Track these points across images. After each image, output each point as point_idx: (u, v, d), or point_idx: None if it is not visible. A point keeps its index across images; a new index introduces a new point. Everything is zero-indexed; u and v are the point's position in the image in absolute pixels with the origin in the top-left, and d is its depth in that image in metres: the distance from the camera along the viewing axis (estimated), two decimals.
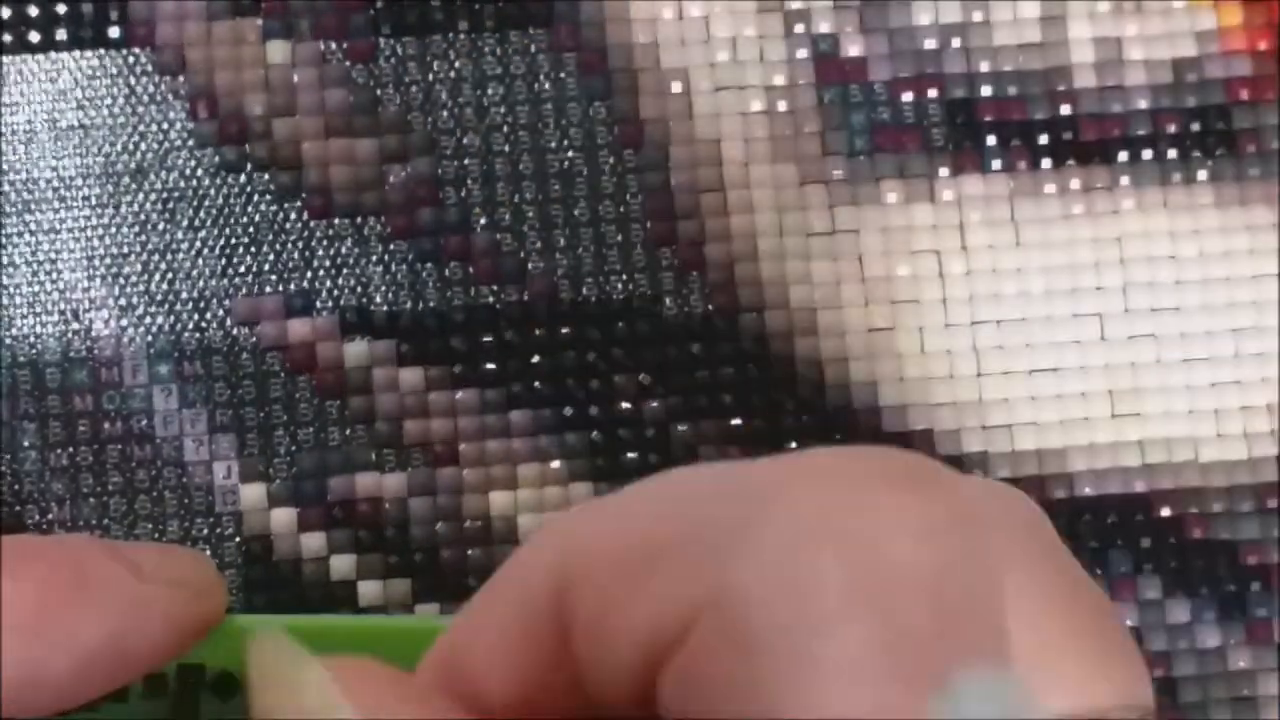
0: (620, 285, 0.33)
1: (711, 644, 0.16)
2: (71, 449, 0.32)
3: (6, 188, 0.33)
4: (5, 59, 0.33)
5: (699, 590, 0.16)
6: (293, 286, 0.33)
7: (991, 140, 0.34)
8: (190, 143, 0.33)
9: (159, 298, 0.33)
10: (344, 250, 0.33)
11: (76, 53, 0.33)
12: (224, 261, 0.33)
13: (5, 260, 0.33)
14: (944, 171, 0.34)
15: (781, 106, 0.34)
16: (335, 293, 0.33)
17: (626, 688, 0.17)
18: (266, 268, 0.33)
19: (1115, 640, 0.20)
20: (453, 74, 0.34)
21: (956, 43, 0.34)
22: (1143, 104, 0.34)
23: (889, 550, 0.16)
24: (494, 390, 0.33)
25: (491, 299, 0.33)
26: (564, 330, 0.33)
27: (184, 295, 0.33)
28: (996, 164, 0.34)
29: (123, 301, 0.33)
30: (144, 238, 0.33)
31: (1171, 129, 0.34)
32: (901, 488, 0.17)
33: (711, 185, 0.34)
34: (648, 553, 0.17)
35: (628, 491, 0.18)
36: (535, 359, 0.33)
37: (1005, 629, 0.17)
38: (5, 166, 0.33)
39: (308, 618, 0.30)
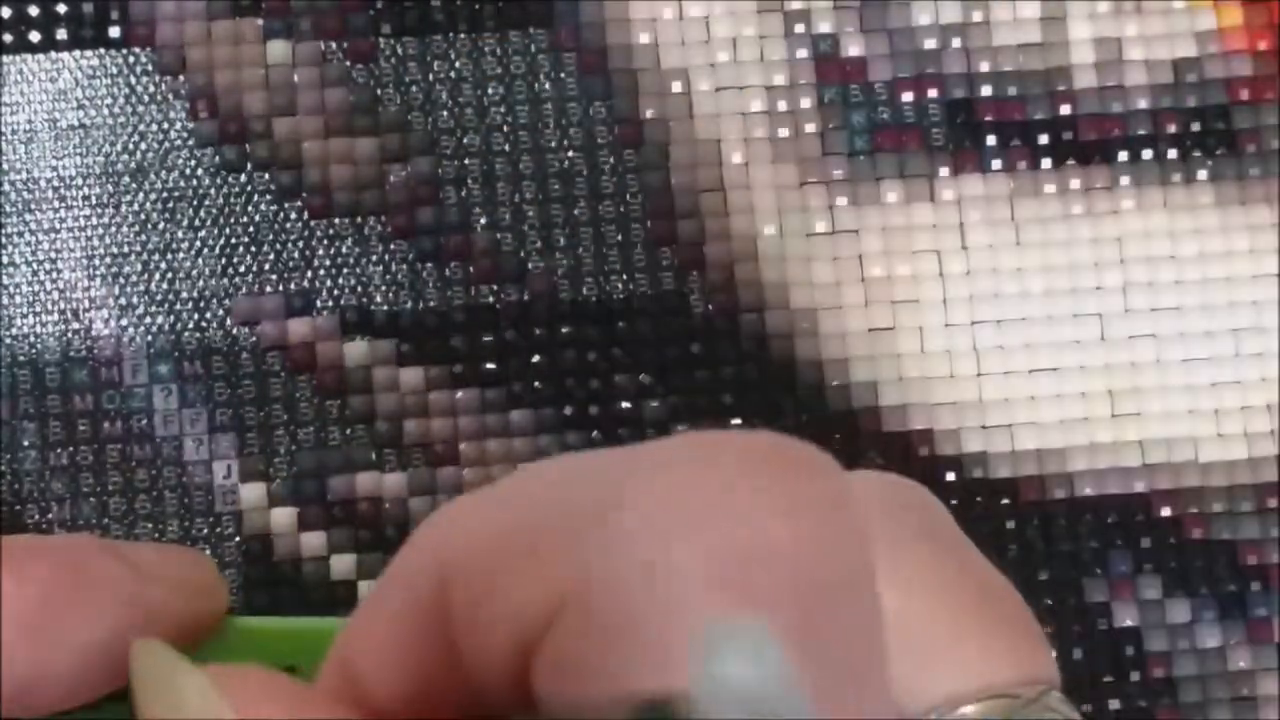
0: (620, 285, 0.33)
1: (576, 630, 0.16)
2: (71, 448, 0.32)
3: (7, 187, 0.33)
4: (6, 59, 0.33)
5: (562, 578, 0.16)
6: (293, 286, 0.33)
7: (991, 140, 0.34)
8: (190, 142, 0.33)
9: (159, 297, 0.33)
10: (344, 250, 0.33)
11: (77, 52, 0.33)
12: (224, 261, 0.33)
13: (5, 260, 0.33)
14: (944, 171, 0.34)
15: (781, 106, 0.34)
16: (335, 292, 0.33)
17: (504, 675, 0.17)
18: (267, 267, 0.33)
19: (1012, 620, 0.20)
20: (453, 74, 0.34)
21: (957, 43, 0.34)
22: (1143, 104, 0.34)
23: (743, 529, 0.16)
24: (494, 390, 0.33)
25: (492, 298, 0.33)
26: (564, 330, 0.33)
27: (184, 295, 0.33)
28: (996, 164, 0.34)
29: (123, 301, 0.33)
30: (144, 237, 0.33)
31: (1171, 129, 0.34)
32: (758, 469, 0.17)
33: (711, 185, 0.34)
34: (516, 543, 0.17)
35: (503, 482, 0.18)
36: (535, 358, 0.33)
37: (875, 606, 0.17)
38: (5, 166, 0.33)
39: (306, 620, 0.30)
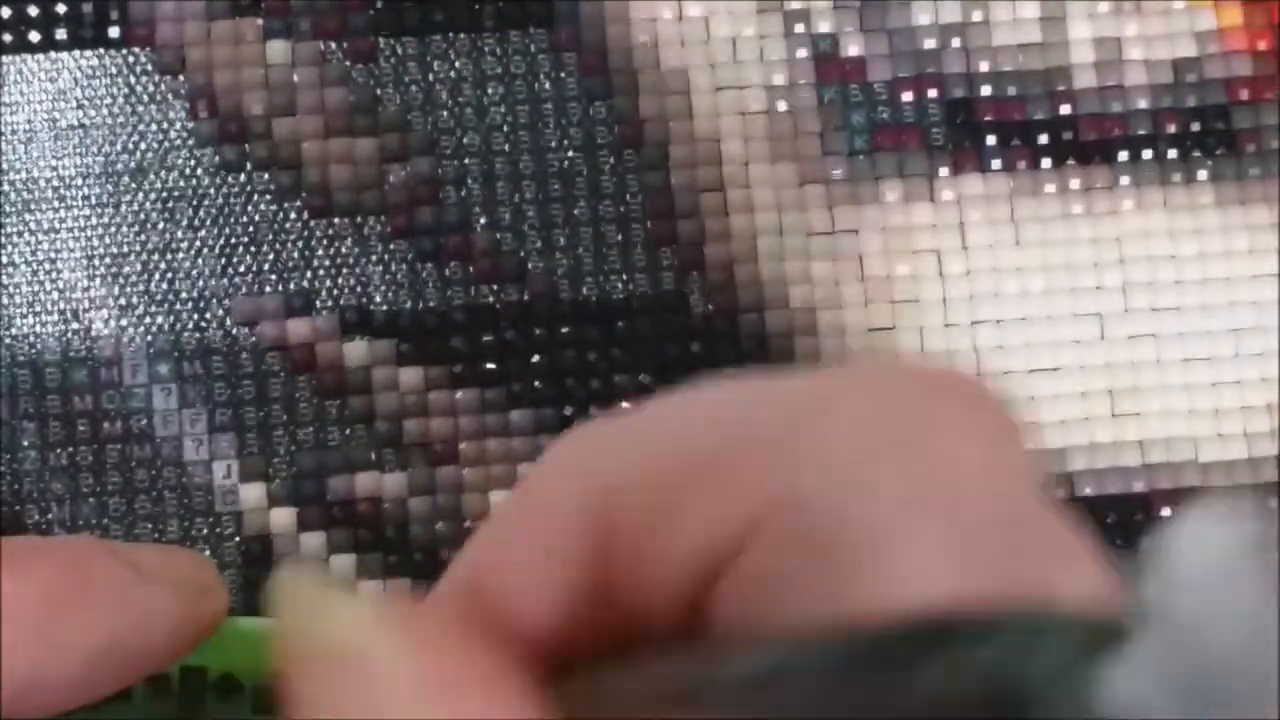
0: (620, 285, 0.33)
1: (783, 545, 0.16)
2: (71, 448, 0.32)
3: (6, 187, 0.33)
4: (5, 59, 0.33)
5: (762, 496, 0.16)
6: (292, 286, 0.33)
7: (991, 140, 0.34)
8: (190, 142, 0.33)
9: (159, 297, 0.33)
10: (344, 250, 0.33)
11: (76, 52, 0.33)
12: (224, 261, 0.33)
13: (5, 260, 0.33)
14: (944, 171, 0.34)
15: (781, 106, 0.34)
16: (335, 292, 0.33)
17: (675, 602, 0.17)
18: (266, 267, 0.33)
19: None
20: (453, 74, 0.34)
21: (956, 43, 0.34)
22: (1143, 104, 0.34)
23: (955, 452, 0.16)
24: (494, 389, 0.33)
25: (491, 298, 0.33)
26: (564, 330, 0.33)
27: (184, 295, 0.33)
28: (996, 163, 0.34)
29: (122, 301, 0.33)
30: (144, 237, 0.33)
31: (1171, 129, 0.34)
32: (957, 397, 0.17)
33: (711, 185, 0.34)
34: (692, 468, 0.17)
35: (652, 408, 0.18)
36: (535, 358, 0.33)
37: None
38: (5, 166, 0.33)
39: None
